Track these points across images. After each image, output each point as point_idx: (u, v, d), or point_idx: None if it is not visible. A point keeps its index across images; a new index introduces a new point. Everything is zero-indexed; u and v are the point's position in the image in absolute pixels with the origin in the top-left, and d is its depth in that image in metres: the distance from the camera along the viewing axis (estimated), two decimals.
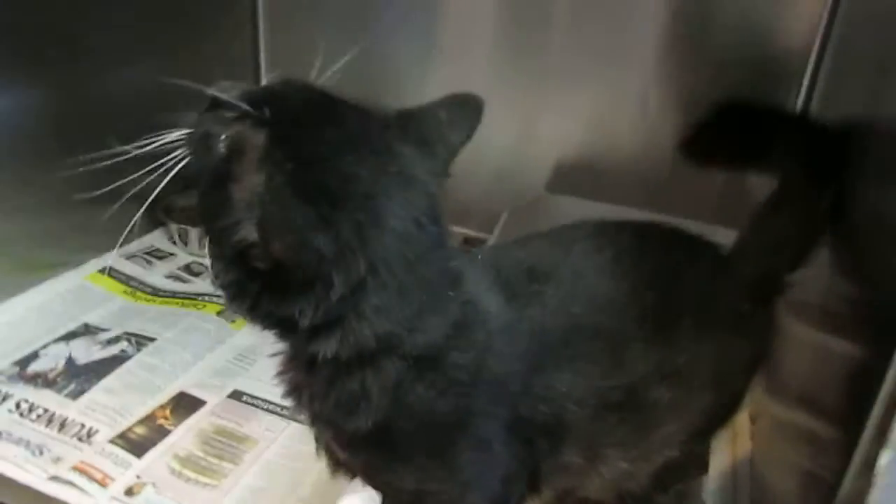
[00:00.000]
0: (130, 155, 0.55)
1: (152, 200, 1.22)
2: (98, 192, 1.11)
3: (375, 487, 0.59)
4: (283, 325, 0.49)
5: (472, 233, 1.25)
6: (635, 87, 1.19)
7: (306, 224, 0.43)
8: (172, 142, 0.51)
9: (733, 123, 0.71)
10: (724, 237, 0.71)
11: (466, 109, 0.55)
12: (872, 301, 0.55)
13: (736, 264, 0.66)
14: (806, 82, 1.05)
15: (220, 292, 0.50)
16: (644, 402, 0.57)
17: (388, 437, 0.51)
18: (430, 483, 0.54)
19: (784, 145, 0.69)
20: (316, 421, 0.55)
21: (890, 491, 0.37)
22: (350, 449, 0.55)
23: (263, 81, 1.40)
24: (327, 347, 0.48)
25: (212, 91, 0.49)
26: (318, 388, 0.52)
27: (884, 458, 0.36)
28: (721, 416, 0.67)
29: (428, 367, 0.50)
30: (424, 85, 1.33)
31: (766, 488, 0.78)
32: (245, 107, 0.47)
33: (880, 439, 0.37)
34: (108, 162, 0.69)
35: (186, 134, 0.49)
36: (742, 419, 0.93)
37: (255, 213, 0.44)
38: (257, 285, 0.46)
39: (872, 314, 0.54)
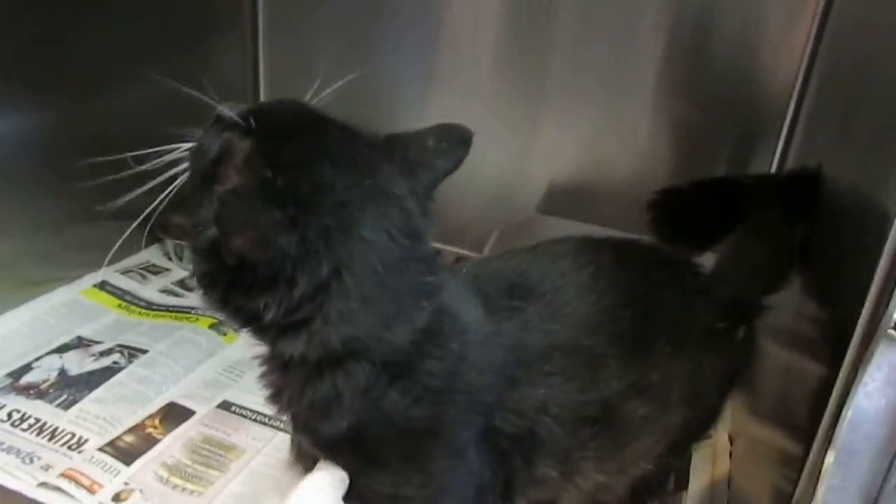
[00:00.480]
0: (141, 170, 0.58)
1: (149, 218, 1.26)
2: (97, 209, 1.15)
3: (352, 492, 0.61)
4: (252, 322, 0.51)
5: (465, 252, 1.27)
6: (629, 114, 1.22)
7: (268, 223, 0.46)
8: (178, 157, 0.54)
9: (704, 198, 0.76)
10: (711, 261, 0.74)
11: (454, 139, 0.58)
12: (831, 321, 0.57)
13: (713, 286, 0.68)
14: (787, 123, 1.09)
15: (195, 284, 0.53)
16: (619, 417, 0.58)
17: (363, 442, 0.53)
18: (406, 488, 0.56)
19: (757, 195, 0.73)
20: (295, 425, 0.57)
21: (835, 492, 0.39)
22: (327, 452, 0.57)
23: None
24: (294, 348, 0.50)
25: (218, 109, 0.52)
26: (294, 389, 0.54)
27: (829, 458, 0.38)
28: (695, 431, 0.69)
29: (399, 373, 0.51)
30: (421, 107, 1.36)
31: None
32: (235, 117, 0.50)
33: (827, 441, 0.39)
34: (108, 178, 0.71)
35: (191, 147, 0.53)
36: (722, 439, 0.94)
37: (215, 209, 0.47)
38: (225, 279, 0.49)
39: (832, 334, 0.56)
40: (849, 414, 0.41)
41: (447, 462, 0.55)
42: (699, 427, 0.70)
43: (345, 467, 0.57)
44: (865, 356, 0.42)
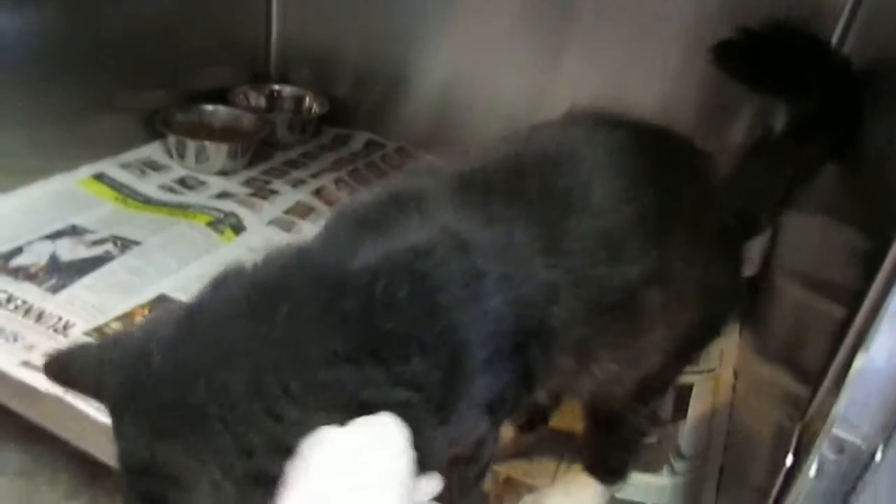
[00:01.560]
0: None
1: (151, 112, 1.23)
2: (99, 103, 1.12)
3: None
4: None
5: None
6: (659, 43, 1.16)
7: None
8: None
9: (771, 43, 0.69)
10: None
11: None
12: (856, 256, 0.53)
13: (723, 194, 0.64)
14: (842, 23, 1.02)
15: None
16: (637, 303, 0.55)
17: None
18: None
19: (812, 76, 0.68)
20: None
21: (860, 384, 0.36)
22: None
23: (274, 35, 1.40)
24: None
25: None
26: None
27: (859, 361, 0.35)
28: (701, 336, 0.66)
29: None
30: (442, 31, 1.32)
31: (740, 438, 0.77)
32: None
33: (858, 344, 0.36)
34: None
35: None
36: (726, 372, 0.92)
37: None
38: None
39: (854, 271, 0.52)
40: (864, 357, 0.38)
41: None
42: (705, 332, 0.67)
43: None
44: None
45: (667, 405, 0.87)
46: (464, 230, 0.50)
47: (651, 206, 0.55)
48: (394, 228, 0.49)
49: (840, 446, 0.41)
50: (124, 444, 0.45)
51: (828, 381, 0.41)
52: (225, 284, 0.49)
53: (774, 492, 0.41)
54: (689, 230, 0.58)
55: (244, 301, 0.46)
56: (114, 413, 0.46)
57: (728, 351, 0.96)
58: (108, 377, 0.46)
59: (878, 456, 0.40)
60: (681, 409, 0.87)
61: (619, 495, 0.74)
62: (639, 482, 0.76)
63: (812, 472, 0.40)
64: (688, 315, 0.60)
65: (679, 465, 0.79)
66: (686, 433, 0.83)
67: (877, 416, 0.39)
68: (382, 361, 0.45)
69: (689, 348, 0.65)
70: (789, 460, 0.41)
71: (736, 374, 0.91)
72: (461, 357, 0.47)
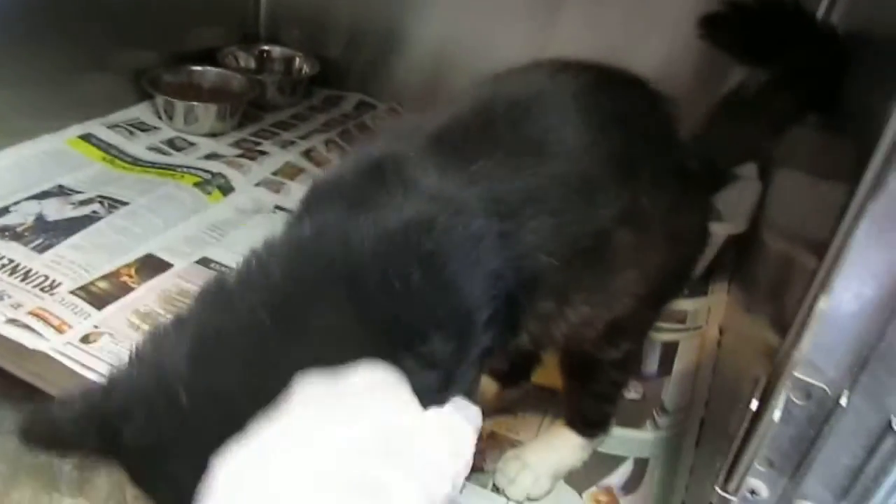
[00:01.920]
0: None
1: (138, 72, 1.21)
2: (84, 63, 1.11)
3: None
4: None
5: None
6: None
7: None
8: None
9: (758, 15, 0.70)
10: None
11: None
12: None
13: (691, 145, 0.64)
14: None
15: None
16: (610, 246, 0.55)
17: None
18: None
19: (798, 49, 0.68)
20: None
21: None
22: None
23: None
24: None
25: None
26: None
27: (822, 304, 0.35)
28: (668, 283, 0.66)
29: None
30: None
31: (722, 392, 0.78)
32: None
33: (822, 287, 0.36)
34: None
35: None
36: (712, 329, 0.92)
37: None
38: None
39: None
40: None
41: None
42: (672, 278, 0.67)
43: None
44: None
45: (652, 362, 0.88)
46: (453, 195, 0.49)
47: (620, 148, 0.55)
48: (381, 203, 0.48)
49: (807, 392, 0.41)
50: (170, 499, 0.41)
51: (794, 327, 0.41)
52: (222, 299, 0.46)
53: (739, 436, 0.42)
54: (656, 174, 0.58)
55: (264, 315, 0.43)
56: (139, 469, 0.42)
57: (715, 309, 0.96)
58: (114, 430, 0.41)
59: (844, 401, 0.40)
60: (666, 365, 0.88)
61: (601, 449, 0.75)
62: (621, 436, 0.77)
63: (776, 416, 0.40)
64: (656, 258, 0.60)
65: (662, 420, 0.79)
66: (670, 389, 0.84)
67: (842, 360, 0.39)
68: (410, 349, 0.44)
69: (658, 293, 0.65)
70: (754, 405, 0.41)
71: (722, 331, 0.91)
72: (470, 324, 0.47)
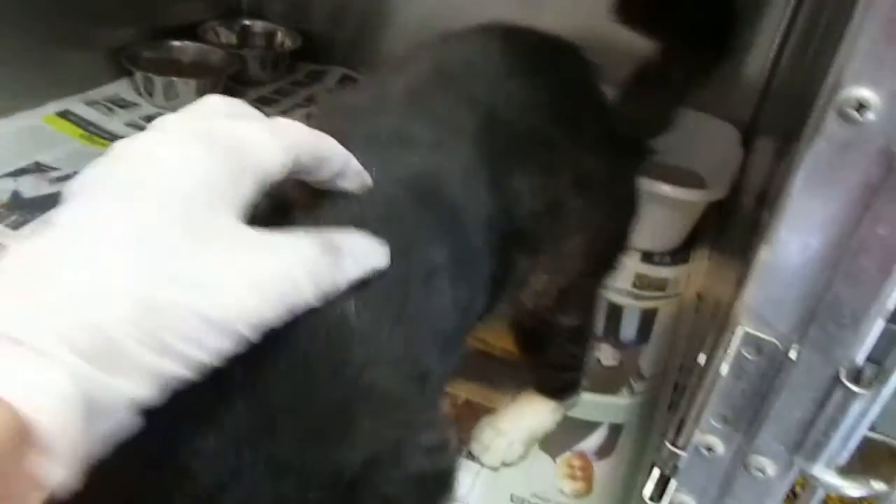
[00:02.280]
0: None
1: (117, 48, 1.20)
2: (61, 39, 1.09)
3: None
4: None
5: None
6: None
7: None
8: None
9: None
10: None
11: None
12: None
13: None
14: None
15: None
16: (564, 207, 0.55)
17: None
18: None
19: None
20: None
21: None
22: None
23: None
24: None
25: None
26: None
27: (764, 254, 0.35)
28: (611, 249, 0.66)
29: None
30: None
31: (696, 356, 0.78)
32: None
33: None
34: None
35: None
36: (690, 296, 0.92)
37: None
38: None
39: None
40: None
41: None
42: (613, 242, 0.67)
43: None
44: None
45: (631, 329, 0.88)
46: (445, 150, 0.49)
47: (566, 110, 0.54)
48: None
49: (757, 346, 0.41)
50: None
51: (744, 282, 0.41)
52: None
53: (689, 391, 0.41)
54: (597, 138, 0.58)
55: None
56: None
57: (695, 276, 0.96)
58: None
59: (794, 354, 0.40)
60: (645, 332, 0.87)
61: (576, 415, 0.75)
62: (597, 402, 0.77)
63: (724, 369, 0.40)
64: (600, 222, 0.60)
65: (638, 386, 0.79)
66: (648, 355, 0.84)
67: (791, 314, 0.39)
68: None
69: (603, 257, 0.65)
70: (702, 359, 0.41)
71: (700, 297, 0.91)
72: (479, 269, 0.49)
